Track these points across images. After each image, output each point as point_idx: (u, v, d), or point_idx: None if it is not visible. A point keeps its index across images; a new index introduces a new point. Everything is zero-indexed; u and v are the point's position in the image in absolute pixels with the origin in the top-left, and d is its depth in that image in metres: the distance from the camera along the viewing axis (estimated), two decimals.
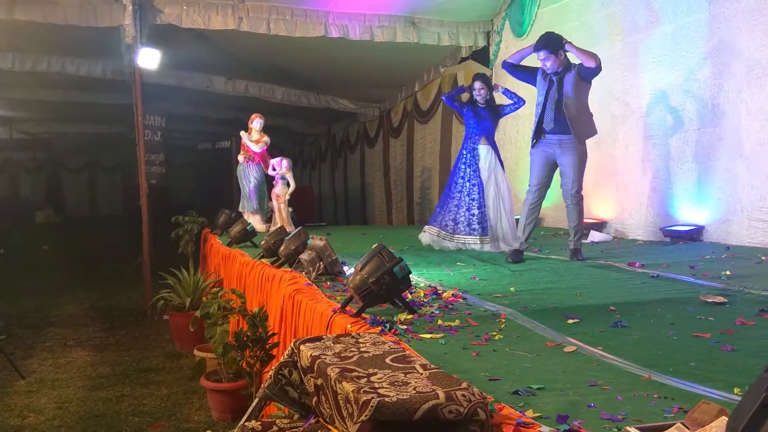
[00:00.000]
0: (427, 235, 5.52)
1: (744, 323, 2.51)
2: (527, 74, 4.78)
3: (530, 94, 5.02)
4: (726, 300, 2.90)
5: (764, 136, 4.74)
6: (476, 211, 5.33)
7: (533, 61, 4.72)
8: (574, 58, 4.53)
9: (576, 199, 4.58)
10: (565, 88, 4.48)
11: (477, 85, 5.39)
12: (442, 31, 8.25)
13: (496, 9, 8.21)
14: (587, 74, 4.48)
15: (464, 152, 5.48)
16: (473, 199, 5.36)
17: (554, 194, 4.94)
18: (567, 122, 4.48)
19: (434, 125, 10.17)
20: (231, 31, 7.63)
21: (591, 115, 4.64)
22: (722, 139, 5.07)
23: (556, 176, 4.71)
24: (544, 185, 4.69)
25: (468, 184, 5.39)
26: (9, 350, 5.45)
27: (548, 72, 4.52)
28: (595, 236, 5.78)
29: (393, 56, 9.05)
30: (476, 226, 5.32)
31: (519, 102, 5.39)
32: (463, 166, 5.45)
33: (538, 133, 4.59)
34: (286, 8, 7.61)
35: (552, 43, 4.45)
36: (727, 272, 3.62)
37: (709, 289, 3.23)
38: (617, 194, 6.22)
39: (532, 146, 4.70)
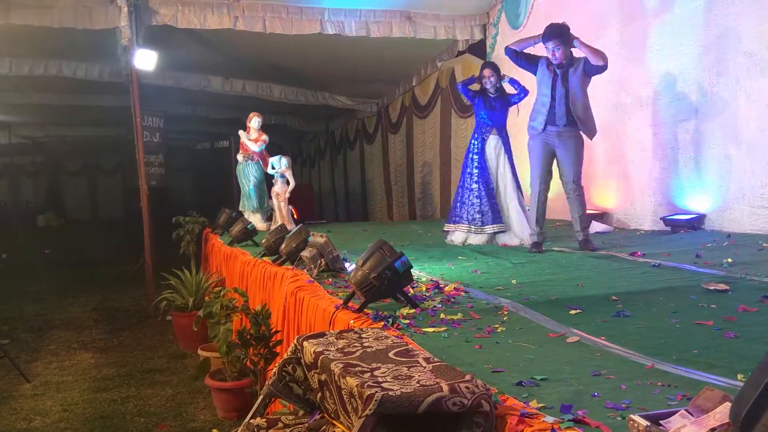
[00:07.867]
0: (459, 234, 5.39)
1: (746, 310, 2.51)
2: (530, 63, 4.75)
3: (529, 82, 5.01)
4: (728, 287, 2.90)
5: (764, 123, 4.72)
6: (494, 200, 5.31)
7: (537, 49, 4.72)
8: (577, 51, 4.53)
9: (577, 190, 4.63)
10: (571, 84, 4.50)
11: (486, 72, 5.35)
12: (438, 25, 8.24)
13: (491, 1, 8.20)
14: (591, 71, 4.50)
15: (474, 142, 5.43)
16: (491, 188, 5.32)
17: (553, 186, 4.95)
18: (573, 117, 4.52)
19: (433, 120, 10.16)
20: (227, 31, 7.63)
21: (591, 109, 4.67)
22: (723, 127, 5.05)
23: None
24: (547, 176, 4.73)
25: (484, 173, 5.34)
26: (13, 354, 5.45)
27: (554, 62, 4.52)
28: (596, 227, 5.76)
29: (390, 51, 9.05)
30: (499, 214, 5.29)
31: (523, 92, 5.35)
32: (476, 156, 5.38)
33: (546, 125, 4.59)
34: (281, 6, 7.60)
35: (564, 33, 4.46)
36: (729, 260, 3.62)
37: (711, 276, 3.22)
38: (619, 184, 6.22)
39: (531, 138, 4.71)
